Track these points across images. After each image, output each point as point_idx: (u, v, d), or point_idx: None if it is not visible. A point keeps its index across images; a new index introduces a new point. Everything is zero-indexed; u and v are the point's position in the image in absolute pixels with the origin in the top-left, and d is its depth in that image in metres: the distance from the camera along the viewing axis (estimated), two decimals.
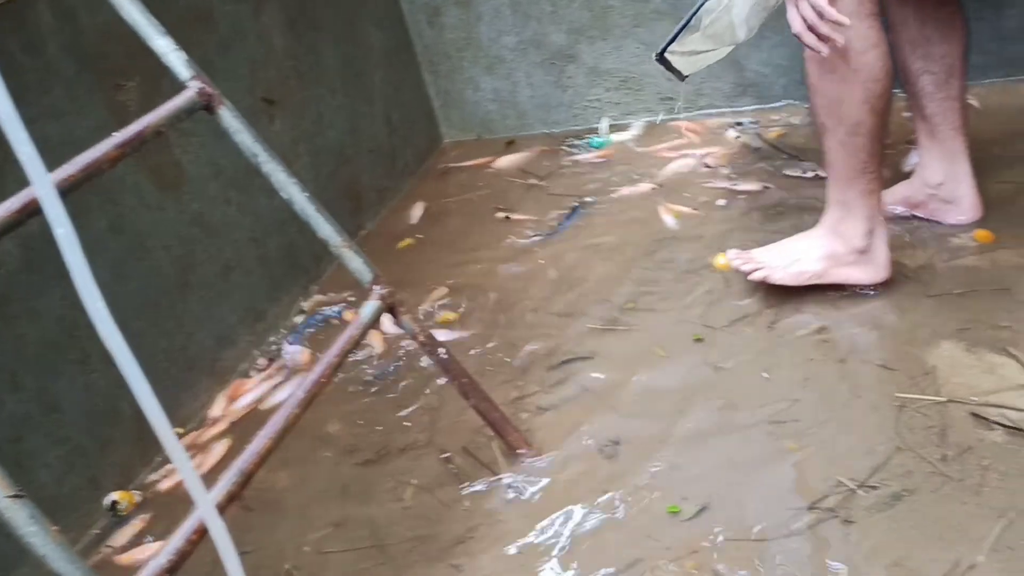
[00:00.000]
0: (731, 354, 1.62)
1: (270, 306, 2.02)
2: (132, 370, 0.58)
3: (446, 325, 1.91)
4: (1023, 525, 1.18)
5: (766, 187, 2.13)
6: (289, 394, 1.32)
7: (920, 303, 1.62)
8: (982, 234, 1.74)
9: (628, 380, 1.63)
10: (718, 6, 1.78)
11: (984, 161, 1.87)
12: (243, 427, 1.72)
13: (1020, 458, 1.28)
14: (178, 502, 1.55)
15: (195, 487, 0.64)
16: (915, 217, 1.84)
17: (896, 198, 1.86)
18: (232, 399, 1.82)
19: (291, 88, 2.16)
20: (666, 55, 1.86)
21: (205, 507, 0.66)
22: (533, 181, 2.45)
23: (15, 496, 0.92)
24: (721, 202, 2.12)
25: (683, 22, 1.79)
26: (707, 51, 1.85)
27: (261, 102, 2.05)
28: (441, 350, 1.47)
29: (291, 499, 1.55)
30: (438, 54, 2.69)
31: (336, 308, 2.04)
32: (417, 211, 2.44)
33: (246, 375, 1.88)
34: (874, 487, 1.29)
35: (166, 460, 1.65)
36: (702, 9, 1.77)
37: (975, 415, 1.36)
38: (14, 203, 1.07)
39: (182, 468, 0.63)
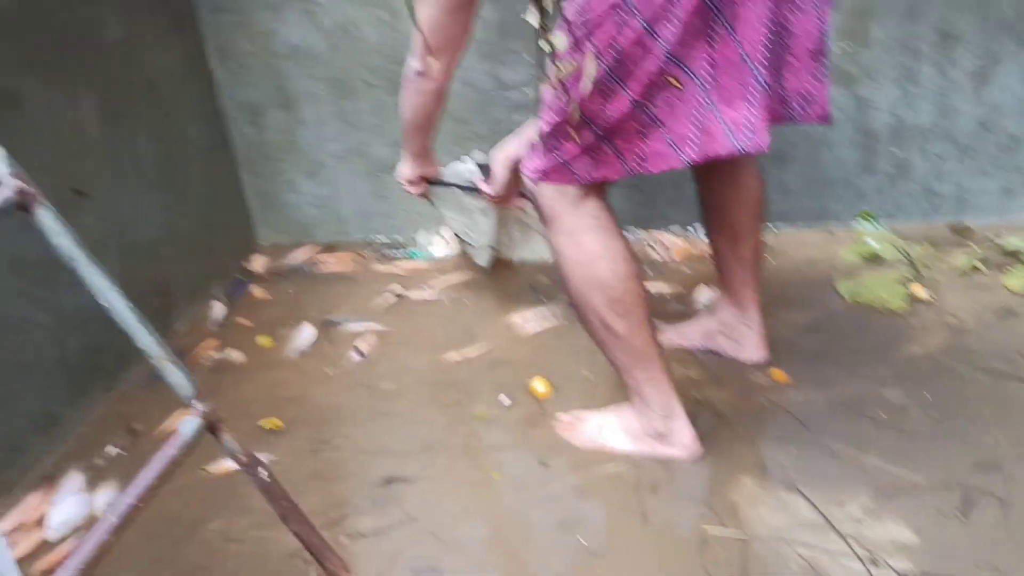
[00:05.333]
0: (553, 479, 1.67)
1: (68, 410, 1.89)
2: None
3: (271, 431, 1.88)
4: None
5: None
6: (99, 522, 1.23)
7: (721, 438, 1.73)
8: (778, 373, 1.90)
9: (452, 505, 1.63)
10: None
11: (772, 304, 2.05)
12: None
13: None
14: None
15: None
16: (711, 351, 1.98)
17: (695, 330, 2.01)
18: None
19: (104, 180, 2.06)
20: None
21: None
22: (344, 287, 2.46)
23: None
24: (531, 325, 2.21)
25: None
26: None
27: (71, 193, 1.95)
28: (262, 471, 1.42)
29: None
30: (258, 155, 2.67)
31: None
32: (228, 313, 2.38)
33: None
34: None
35: None
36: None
37: (773, 551, 1.47)
38: None
39: None
